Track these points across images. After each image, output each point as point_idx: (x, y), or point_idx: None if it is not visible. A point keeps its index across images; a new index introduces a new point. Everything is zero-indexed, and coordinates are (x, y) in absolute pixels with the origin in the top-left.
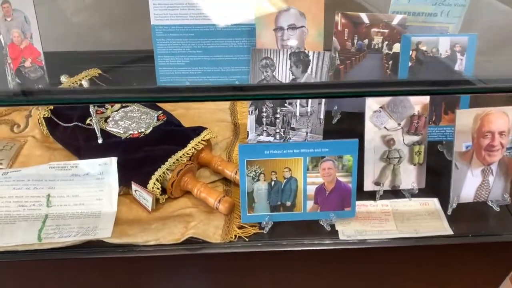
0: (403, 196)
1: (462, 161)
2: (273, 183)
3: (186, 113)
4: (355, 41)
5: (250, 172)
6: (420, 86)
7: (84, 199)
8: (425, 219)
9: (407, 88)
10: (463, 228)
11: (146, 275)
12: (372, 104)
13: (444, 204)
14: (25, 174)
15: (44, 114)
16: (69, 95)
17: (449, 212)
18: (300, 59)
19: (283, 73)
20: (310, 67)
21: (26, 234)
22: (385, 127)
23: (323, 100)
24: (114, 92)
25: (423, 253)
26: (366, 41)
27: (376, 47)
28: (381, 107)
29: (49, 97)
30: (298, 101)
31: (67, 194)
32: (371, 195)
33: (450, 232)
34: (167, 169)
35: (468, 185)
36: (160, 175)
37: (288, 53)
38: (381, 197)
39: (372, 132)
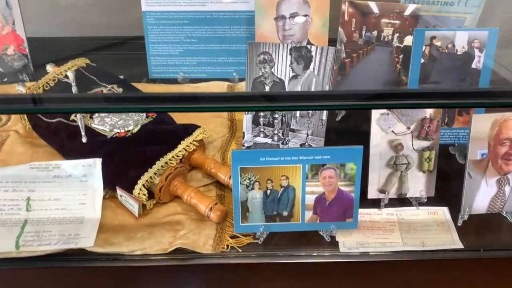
0: (410, 204)
1: (476, 170)
2: (268, 191)
3: None
4: (363, 32)
5: (244, 180)
6: (433, 98)
7: (66, 203)
8: (433, 230)
9: (418, 101)
10: (474, 241)
11: (131, 286)
12: None
13: (455, 213)
14: (3, 175)
15: None
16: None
17: (460, 223)
18: (301, 54)
19: (283, 70)
20: (312, 63)
21: (3, 241)
22: (392, 131)
23: None
24: (103, 101)
25: (430, 268)
26: (375, 32)
27: (386, 39)
28: (389, 110)
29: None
30: None
31: (48, 197)
32: (375, 203)
33: (460, 245)
34: (155, 173)
35: (482, 195)
36: (146, 180)
37: (289, 47)
38: (386, 206)
39: (378, 136)
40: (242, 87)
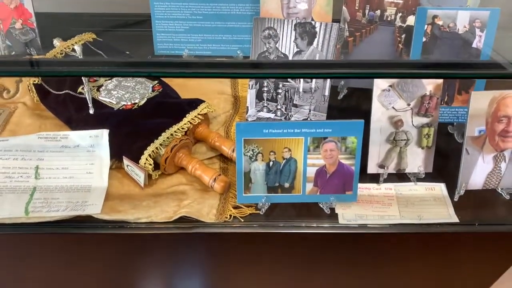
0: (409, 180)
1: (473, 146)
2: (271, 163)
3: (185, 84)
4: (367, 11)
5: (248, 152)
6: (434, 68)
7: (74, 172)
8: (430, 205)
9: (419, 71)
10: (469, 216)
11: (136, 253)
12: (380, 82)
13: (452, 189)
14: (13, 144)
15: (34, 81)
16: (58, 67)
17: (456, 198)
18: (306, 30)
19: (287, 45)
20: (316, 39)
21: (13, 207)
22: (393, 107)
23: None
24: (108, 64)
25: (426, 240)
26: (378, 12)
27: (389, 19)
28: (390, 86)
29: (36, 69)
30: None
31: (56, 166)
32: (375, 178)
33: (455, 219)
34: (161, 145)
35: (478, 171)
36: (152, 151)
37: (293, 23)
38: (385, 181)
39: (379, 112)
40: None
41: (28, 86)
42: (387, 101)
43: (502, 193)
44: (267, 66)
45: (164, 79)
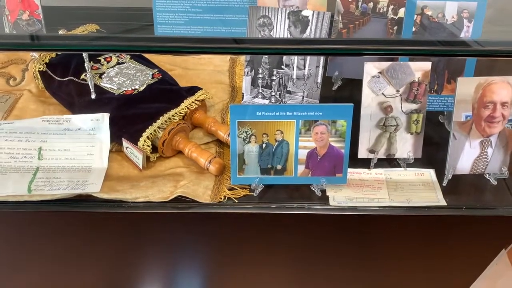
0: (399, 166)
1: (460, 132)
2: (264, 145)
3: (185, 74)
4: (360, 3)
5: (241, 133)
6: (421, 45)
7: (75, 153)
8: (419, 189)
9: (406, 47)
10: (457, 200)
11: (134, 232)
12: (370, 68)
13: (441, 176)
14: (17, 127)
15: (39, 68)
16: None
17: (445, 183)
18: (299, 19)
19: (281, 33)
20: (309, 27)
21: (17, 185)
22: (383, 93)
23: (321, 63)
24: (111, 39)
25: (414, 223)
26: (371, 4)
27: (381, 11)
28: (379, 72)
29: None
30: (295, 63)
31: (58, 148)
32: (366, 163)
33: (443, 203)
34: (159, 127)
35: (466, 156)
36: (151, 133)
37: (287, 11)
38: (376, 166)
39: (369, 98)
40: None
41: (34, 73)
42: (377, 87)
43: (490, 179)
44: (258, 42)
45: (163, 69)
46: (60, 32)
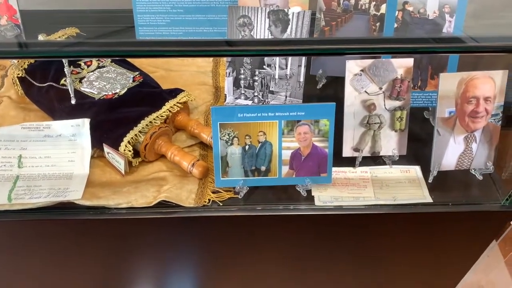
0: (385, 164)
1: (444, 127)
2: (247, 147)
3: (167, 75)
4: (341, 1)
5: (224, 136)
6: (403, 43)
7: (56, 160)
8: (405, 186)
9: (388, 45)
10: (444, 197)
11: (118, 238)
12: (352, 67)
13: (427, 172)
14: None
15: (18, 74)
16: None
17: (430, 180)
18: (279, 18)
19: (262, 33)
20: (289, 26)
21: None
22: (365, 91)
23: (303, 62)
24: (91, 45)
25: (401, 220)
26: (352, 1)
27: (363, 7)
28: (362, 70)
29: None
30: (277, 63)
31: (39, 155)
32: (351, 162)
33: (429, 200)
34: (140, 132)
35: (450, 152)
36: (132, 138)
37: (267, 11)
38: (362, 164)
39: (352, 97)
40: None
41: (13, 80)
42: (359, 85)
43: (476, 174)
44: (240, 44)
45: (145, 71)
46: (40, 37)
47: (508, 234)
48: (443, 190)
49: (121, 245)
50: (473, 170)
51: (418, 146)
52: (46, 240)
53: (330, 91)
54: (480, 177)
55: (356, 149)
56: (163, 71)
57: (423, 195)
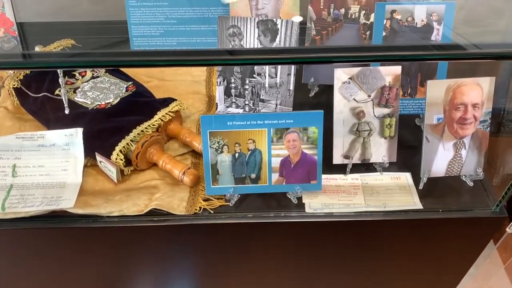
0: (375, 171)
1: (433, 134)
2: (237, 155)
3: (161, 85)
4: (331, 10)
5: (213, 144)
6: (391, 51)
7: (50, 169)
8: (395, 193)
9: (377, 53)
10: (434, 203)
11: (110, 246)
12: (341, 74)
13: (417, 179)
14: None
15: (14, 85)
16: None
17: (421, 186)
18: (268, 27)
19: (251, 42)
20: (278, 36)
21: None
22: (354, 99)
23: (293, 71)
24: (86, 56)
25: (392, 227)
26: (342, 10)
27: (353, 16)
28: (350, 78)
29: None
30: (267, 72)
31: (33, 164)
32: (342, 169)
33: (420, 206)
34: (132, 140)
35: (440, 159)
36: (124, 146)
37: (256, 21)
38: (352, 171)
39: (341, 104)
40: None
41: (8, 91)
42: (348, 93)
43: (466, 181)
44: (231, 53)
45: (140, 81)
46: (37, 48)
47: (508, 241)
48: (434, 197)
49: (113, 253)
50: (463, 176)
51: (408, 153)
52: (39, 249)
53: (322, 99)
54: (471, 184)
55: (346, 156)
56: (158, 80)
57: (413, 202)
